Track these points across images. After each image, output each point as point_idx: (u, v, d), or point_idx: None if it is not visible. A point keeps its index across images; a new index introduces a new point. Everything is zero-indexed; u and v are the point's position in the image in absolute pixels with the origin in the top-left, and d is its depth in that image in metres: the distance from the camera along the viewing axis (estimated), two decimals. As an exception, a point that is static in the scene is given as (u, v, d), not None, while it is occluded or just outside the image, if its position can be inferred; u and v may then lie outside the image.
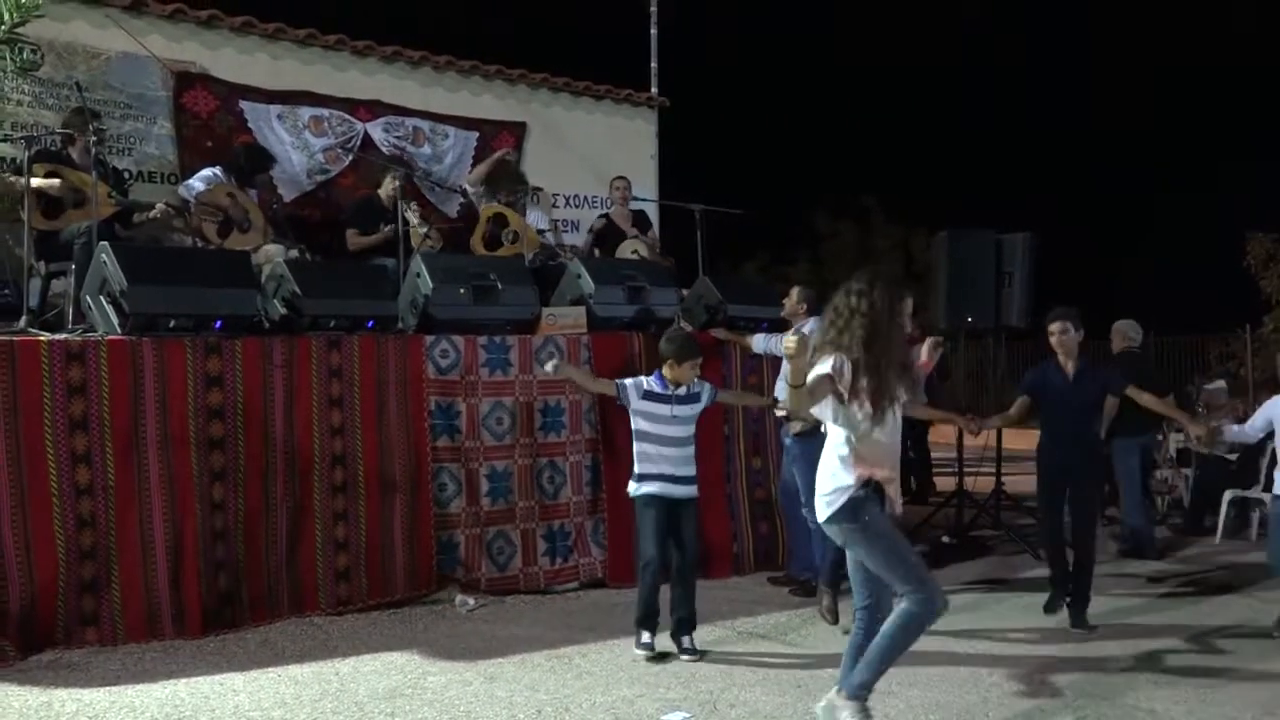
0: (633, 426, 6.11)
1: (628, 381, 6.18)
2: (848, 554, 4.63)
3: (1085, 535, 6.66)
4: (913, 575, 4.40)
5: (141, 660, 5.74)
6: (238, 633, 6.23)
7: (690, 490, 6.13)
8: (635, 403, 6.09)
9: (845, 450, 4.44)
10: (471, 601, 6.93)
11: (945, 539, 8.96)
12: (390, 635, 6.29)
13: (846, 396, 4.36)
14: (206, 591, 6.23)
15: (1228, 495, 9.39)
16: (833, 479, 4.47)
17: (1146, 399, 6.87)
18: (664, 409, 6.08)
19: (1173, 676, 5.55)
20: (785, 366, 6.90)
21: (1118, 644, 6.15)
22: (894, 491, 4.55)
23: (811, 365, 4.45)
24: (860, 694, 4.42)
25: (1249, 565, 8.21)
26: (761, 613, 6.82)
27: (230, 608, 6.33)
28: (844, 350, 4.39)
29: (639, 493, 6.05)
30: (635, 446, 6.11)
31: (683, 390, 6.13)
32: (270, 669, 5.61)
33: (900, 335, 4.54)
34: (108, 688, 5.27)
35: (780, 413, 7.35)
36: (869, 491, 4.43)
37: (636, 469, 6.08)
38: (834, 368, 4.35)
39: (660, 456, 6.04)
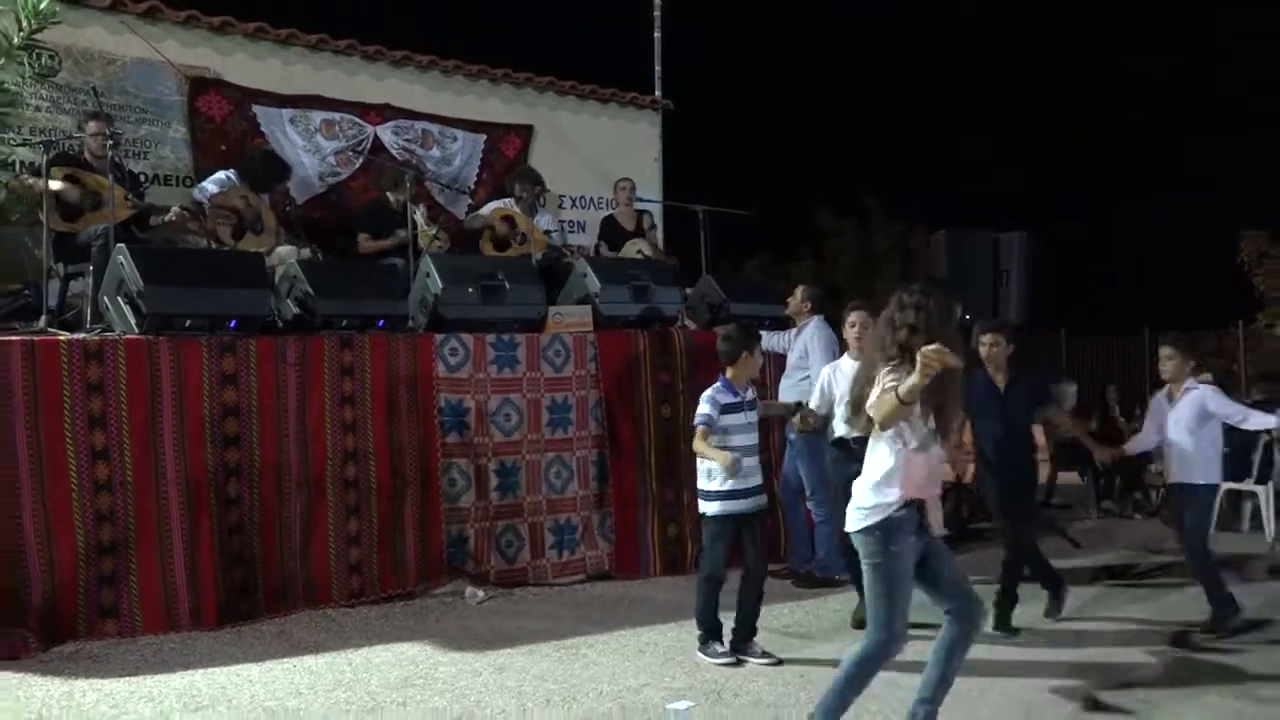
0: (718, 445, 5.62)
1: (704, 411, 5.67)
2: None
3: (1015, 534, 6.53)
4: (887, 619, 4.14)
5: (160, 651, 5.77)
6: (253, 624, 6.26)
7: (765, 499, 5.94)
8: (720, 421, 5.65)
9: (897, 465, 4.11)
10: (481, 593, 6.96)
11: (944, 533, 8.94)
12: (402, 626, 6.32)
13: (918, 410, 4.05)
14: (223, 584, 6.27)
15: (1221, 489, 9.37)
16: (874, 494, 4.15)
17: (1062, 419, 7.05)
18: (741, 417, 5.73)
19: (1164, 668, 5.58)
20: (832, 375, 6.44)
21: (1100, 635, 6.19)
22: (933, 512, 4.23)
23: (871, 380, 4.14)
24: None
25: (1240, 556, 8.22)
26: (763, 604, 6.82)
27: (246, 600, 6.37)
28: (907, 364, 4.03)
29: (729, 511, 5.65)
30: (713, 464, 5.63)
31: (749, 393, 5.84)
32: (285, 659, 5.64)
33: (958, 345, 4.13)
34: (127, 678, 5.30)
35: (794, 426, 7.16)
36: (909, 513, 4.12)
37: (719, 486, 5.64)
38: (895, 372, 4.04)
39: (745, 470, 5.64)
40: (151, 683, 5.24)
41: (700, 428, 5.65)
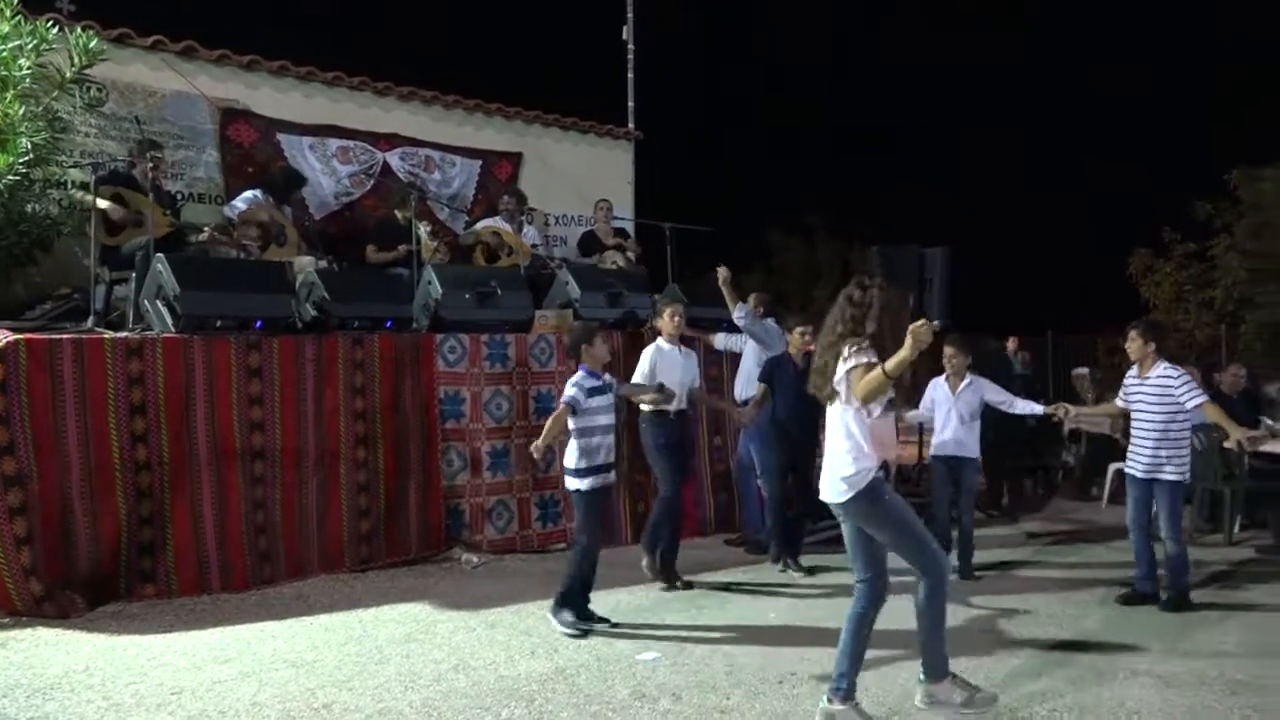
0: (577, 426, 5.39)
1: (570, 393, 5.41)
2: (847, 530, 4.08)
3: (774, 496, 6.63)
4: (922, 555, 3.99)
5: (193, 611, 5.72)
6: (275, 587, 6.22)
7: (614, 476, 5.70)
8: (586, 403, 5.39)
9: (862, 434, 3.93)
10: (475, 560, 6.93)
11: None
12: (406, 589, 6.28)
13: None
14: (248, 552, 6.22)
15: (1112, 467, 9.45)
16: (854, 462, 3.94)
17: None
18: (605, 399, 5.52)
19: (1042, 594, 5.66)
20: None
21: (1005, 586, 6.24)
22: (891, 472, 4.19)
23: (836, 354, 3.96)
24: (942, 673, 4.08)
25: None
26: (721, 568, 6.85)
27: (269, 566, 6.32)
28: (865, 337, 3.90)
29: (593, 486, 5.40)
30: (579, 443, 5.39)
31: (609, 377, 5.65)
32: (303, 618, 5.60)
33: (907, 325, 3.92)
34: (164, 634, 5.25)
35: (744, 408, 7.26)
36: (882, 473, 3.99)
37: (581, 463, 5.38)
38: (861, 350, 3.88)
39: (602, 448, 5.45)
40: (186, 638, 5.19)
41: (564, 405, 5.37)
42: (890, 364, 3.75)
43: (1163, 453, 5.82)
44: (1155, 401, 5.86)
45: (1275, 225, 15.48)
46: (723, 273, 7.47)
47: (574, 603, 5.44)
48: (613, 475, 5.64)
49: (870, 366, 3.82)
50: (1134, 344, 5.99)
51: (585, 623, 5.39)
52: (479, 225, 9.38)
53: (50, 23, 6.93)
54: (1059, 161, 27.40)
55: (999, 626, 5.45)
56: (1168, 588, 5.86)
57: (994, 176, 27.54)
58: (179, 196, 8.06)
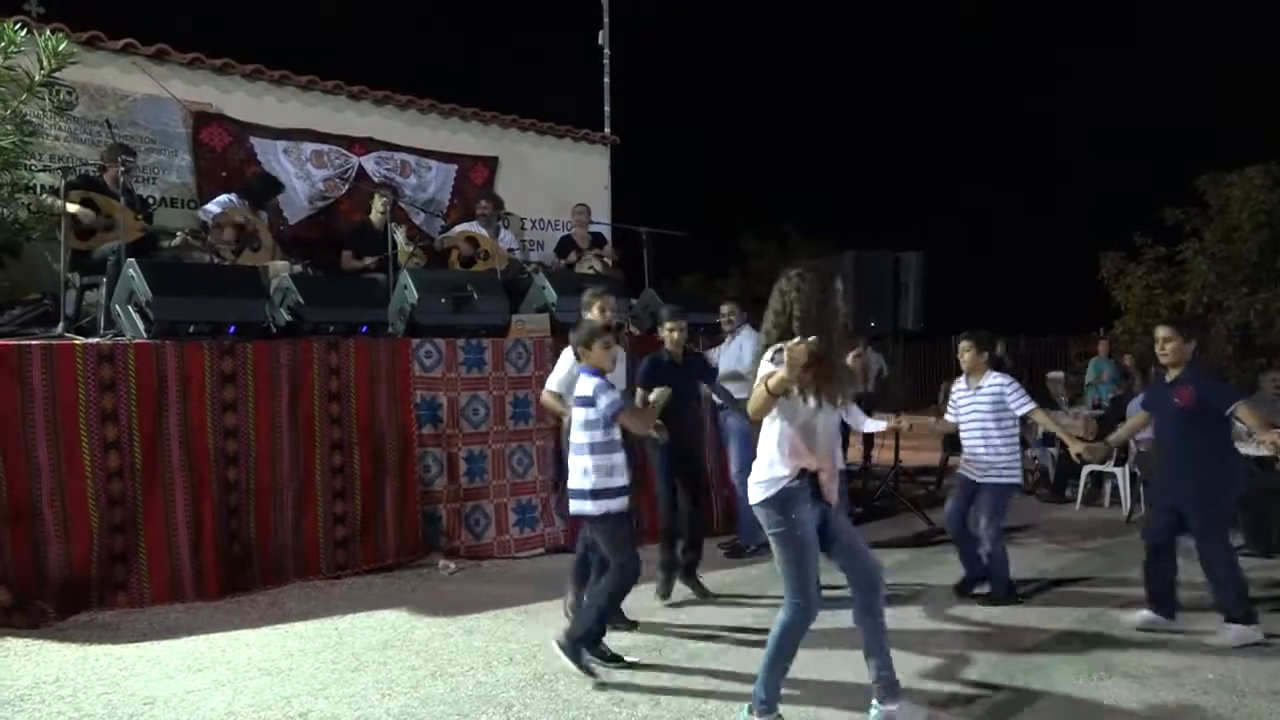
0: (597, 440, 4.71)
1: (615, 397, 4.69)
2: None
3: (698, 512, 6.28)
4: (800, 586, 3.81)
5: (166, 620, 5.65)
6: (250, 595, 6.15)
7: None
8: (616, 404, 4.69)
9: (783, 440, 3.79)
10: (453, 565, 6.89)
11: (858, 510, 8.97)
12: (382, 595, 6.24)
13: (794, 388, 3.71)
14: (222, 559, 6.15)
15: (1086, 470, 9.56)
16: (769, 468, 3.82)
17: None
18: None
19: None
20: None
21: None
22: (829, 483, 3.87)
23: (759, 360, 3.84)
24: (766, 708, 3.88)
25: (1097, 522, 8.39)
26: (704, 571, 6.82)
27: (243, 573, 6.25)
28: (784, 341, 3.72)
29: (621, 509, 4.72)
30: (595, 461, 4.69)
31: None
32: (278, 625, 5.55)
33: (838, 323, 3.81)
34: (136, 643, 5.19)
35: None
36: (802, 483, 3.80)
37: (604, 484, 4.69)
38: (773, 359, 3.74)
39: (619, 465, 4.78)
40: (158, 647, 5.13)
41: (623, 404, 4.69)
42: (772, 381, 3.63)
43: (1002, 458, 5.99)
44: (989, 409, 6.02)
45: (1243, 230, 15.68)
46: None
47: (595, 639, 4.82)
48: (626, 499, 4.81)
49: (769, 378, 3.68)
50: (968, 354, 6.14)
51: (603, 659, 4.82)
52: (455, 230, 9.36)
53: (18, 25, 6.86)
54: (1030, 166, 27.71)
55: (971, 630, 5.48)
56: (993, 584, 6.00)
57: (967, 180, 27.84)
58: (151, 201, 7.99)
